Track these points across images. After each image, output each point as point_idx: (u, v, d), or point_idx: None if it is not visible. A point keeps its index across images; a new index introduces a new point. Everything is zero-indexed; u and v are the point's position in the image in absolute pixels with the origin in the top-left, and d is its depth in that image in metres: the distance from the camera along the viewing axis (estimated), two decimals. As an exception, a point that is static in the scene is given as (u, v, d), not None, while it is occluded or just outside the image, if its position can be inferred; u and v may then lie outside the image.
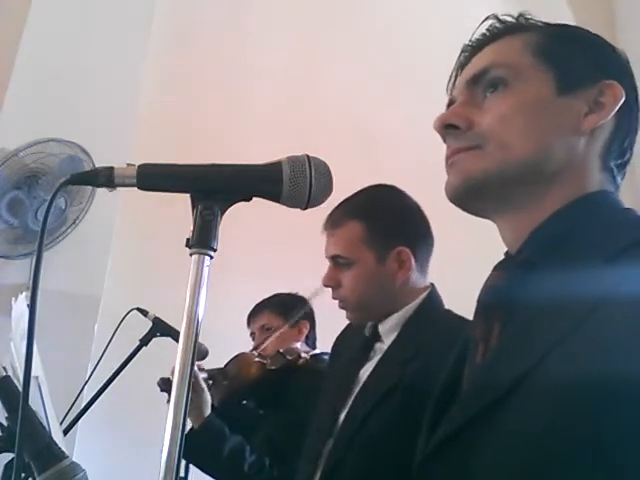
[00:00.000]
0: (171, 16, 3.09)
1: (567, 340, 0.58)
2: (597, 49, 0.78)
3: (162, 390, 1.59)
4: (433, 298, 1.39)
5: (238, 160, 0.78)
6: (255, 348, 1.89)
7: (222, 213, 0.74)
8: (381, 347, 1.35)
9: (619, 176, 0.77)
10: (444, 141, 0.77)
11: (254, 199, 0.78)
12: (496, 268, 0.73)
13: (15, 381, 0.99)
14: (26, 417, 0.75)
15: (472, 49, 0.80)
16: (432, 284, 1.42)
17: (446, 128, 0.76)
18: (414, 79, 3.18)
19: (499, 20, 0.80)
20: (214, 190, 0.75)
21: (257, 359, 1.78)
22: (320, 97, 3.21)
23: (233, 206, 0.76)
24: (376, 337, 1.36)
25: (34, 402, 1.01)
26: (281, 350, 1.80)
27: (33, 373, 0.76)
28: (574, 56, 0.76)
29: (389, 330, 1.34)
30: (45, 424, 0.99)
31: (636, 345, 0.55)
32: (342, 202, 1.41)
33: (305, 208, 0.78)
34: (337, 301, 1.40)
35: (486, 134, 0.73)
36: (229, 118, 3.02)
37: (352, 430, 1.23)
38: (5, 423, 0.99)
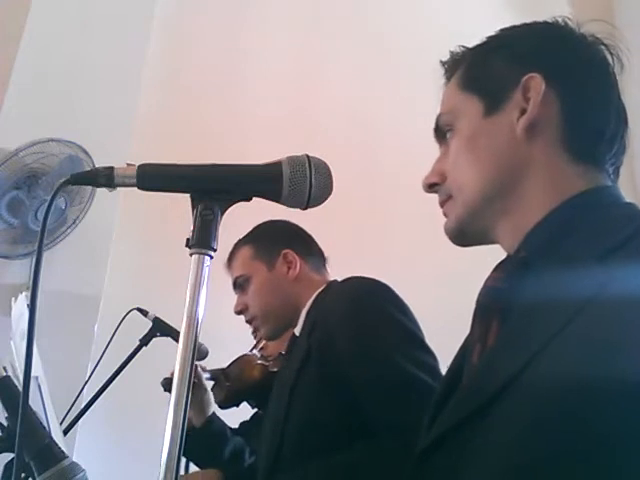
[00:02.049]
0: (171, 16, 3.09)
1: (555, 340, 0.58)
2: (519, 45, 0.78)
3: (166, 390, 1.59)
4: (330, 286, 1.51)
5: (238, 160, 0.78)
6: (255, 347, 1.90)
7: (222, 213, 0.75)
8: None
9: (610, 155, 0.74)
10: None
11: (254, 199, 0.78)
12: (495, 269, 0.74)
13: (15, 381, 0.99)
14: (26, 417, 0.75)
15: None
16: (334, 280, 1.55)
17: (431, 187, 0.82)
18: (414, 80, 3.17)
19: (444, 64, 0.85)
20: (214, 190, 0.75)
21: (259, 361, 1.79)
22: (320, 97, 3.20)
23: (233, 206, 0.76)
24: (295, 338, 1.49)
25: (34, 402, 1.01)
26: (283, 352, 1.81)
27: (33, 373, 0.76)
28: (494, 68, 0.77)
29: (300, 326, 1.47)
30: (45, 424, 0.99)
31: (622, 344, 0.54)
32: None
33: (305, 208, 0.78)
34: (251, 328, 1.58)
35: (450, 183, 0.79)
36: (229, 118, 3.02)
37: (285, 402, 1.33)
38: (5, 423, 0.99)
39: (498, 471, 0.58)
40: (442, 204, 0.81)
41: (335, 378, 1.26)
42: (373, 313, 1.31)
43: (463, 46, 0.83)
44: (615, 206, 0.71)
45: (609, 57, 0.77)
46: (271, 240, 1.58)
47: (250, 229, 1.66)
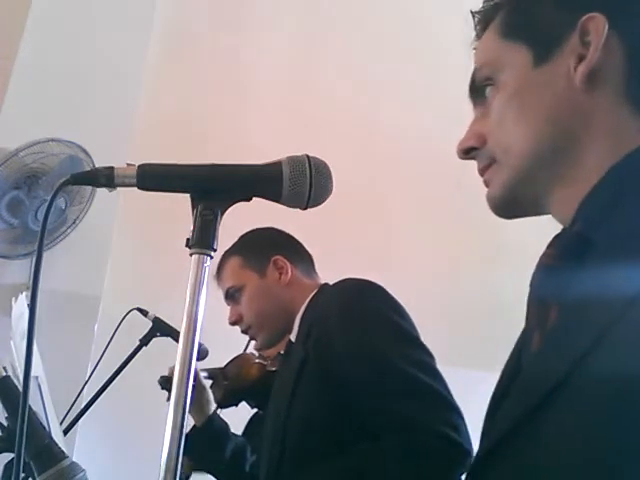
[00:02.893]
0: (171, 16, 3.09)
1: (608, 335, 0.52)
2: None
3: (163, 388, 1.59)
4: (322, 290, 1.51)
5: (238, 160, 0.78)
6: (248, 344, 1.91)
7: (222, 213, 0.75)
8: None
9: None
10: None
11: (254, 199, 0.78)
12: (549, 245, 0.65)
13: (15, 381, 0.99)
14: (26, 417, 0.75)
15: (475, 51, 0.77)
16: (325, 283, 1.55)
17: (467, 153, 0.74)
18: (415, 77, 3.18)
19: (476, 14, 0.76)
20: (214, 190, 0.75)
21: (257, 360, 1.79)
22: (320, 97, 3.20)
23: (233, 206, 0.76)
24: (291, 344, 1.49)
25: (34, 402, 1.01)
26: (281, 352, 1.81)
27: (33, 373, 0.76)
28: (542, 11, 0.69)
29: (295, 332, 1.47)
30: (45, 424, 0.99)
31: None
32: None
33: (305, 208, 0.78)
34: (248, 337, 1.59)
35: (493, 145, 0.71)
36: (229, 118, 3.02)
37: (285, 405, 1.33)
38: (5, 423, 0.99)
39: (580, 457, 0.52)
40: (483, 171, 0.73)
41: (334, 379, 1.26)
42: (367, 313, 1.32)
43: None
44: None
45: None
46: (259, 248, 1.58)
47: (247, 230, 1.66)
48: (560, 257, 0.63)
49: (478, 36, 0.76)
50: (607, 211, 0.61)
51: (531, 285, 0.65)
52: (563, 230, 0.67)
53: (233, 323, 1.59)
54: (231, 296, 1.57)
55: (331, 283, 1.53)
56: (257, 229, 1.64)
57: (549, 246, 0.65)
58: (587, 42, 0.65)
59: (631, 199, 0.60)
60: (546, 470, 0.55)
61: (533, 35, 0.69)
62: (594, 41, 0.64)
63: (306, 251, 1.64)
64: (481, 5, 0.76)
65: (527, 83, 0.68)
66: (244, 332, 1.59)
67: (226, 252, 1.60)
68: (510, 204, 0.71)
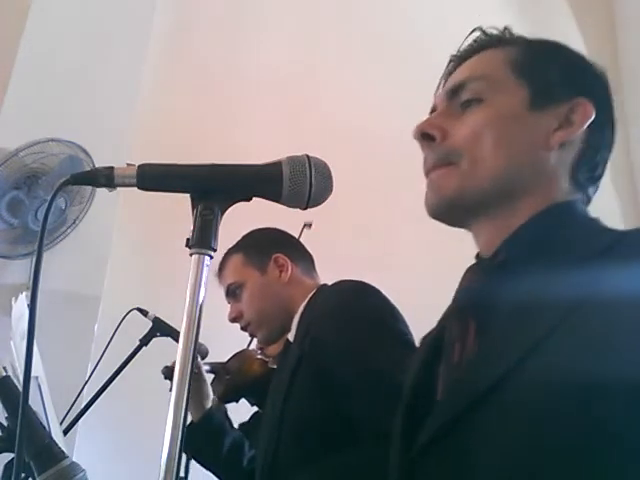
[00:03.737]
0: (171, 16, 3.09)
1: (549, 339, 0.59)
2: (574, 67, 0.80)
3: (166, 378, 1.59)
4: (321, 290, 1.51)
5: (238, 160, 0.78)
6: (250, 342, 1.92)
7: (222, 213, 0.75)
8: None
9: (591, 189, 0.79)
10: (422, 150, 0.80)
11: (254, 199, 0.78)
12: (470, 270, 0.74)
13: (15, 381, 0.99)
14: (26, 417, 0.75)
15: (458, 59, 0.83)
16: (324, 284, 1.55)
17: (423, 138, 0.78)
18: (414, 79, 3.18)
19: (484, 32, 0.82)
20: (214, 190, 0.75)
21: (259, 356, 1.79)
22: (321, 97, 3.21)
23: (233, 206, 0.76)
24: (289, 344, 1.49)
25: (34, 402, 1.01)
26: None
27: (33, 373, 0.76)
28: (550, 73, 0.77)
29: (293, 332, 1.47)
30: (45, 424, 0.99)
31: (619, 344, 0.55)
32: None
33: (305, 208, 0.78)
34: (247, 333, 1.58)
35: (460, 149, 0.75)
36: (229, 118, 3.02)
37: (280, 405, 1.33)
38: (5, 423, 1.00)
39: (508, 459, 0.58)
40: (434, 167, 0.77)
41: (327, 378, 1.27)
42: (362, 314, 1.32)
43: (509, 30, 0.82)
44: (588, 218, 0.75)
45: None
46: (260, 246, 1.60)
47: (247, 230, 1.66)
48: (482, 280, 0.72)
49: (474, 51, 0.81)
50: (528, 248, 0.70)
51: (455, 301, 0.73)
52: (480, 258, 0.76)
53: (233, 320, 1.60)
54: (232, 293, 1.58)
55: (329, 284, 1.54)
56: (259, 228, 1.65)
57: (469, 271, 0.74)
58: (570, 119, 0.75)
59: (548, 241, 0.70)
60: (474, 469, 0.60)
61: (538, 84, 0.76)
62: (579, 122, 0.75)
63: (307, 251, 1.65)
64: (491, 29, 0.82)
65: (517, 118, 0.75)
66: (243, 329, 1.59)
67: (228, 251, 1.61)
68: (449, 209, 0.76)
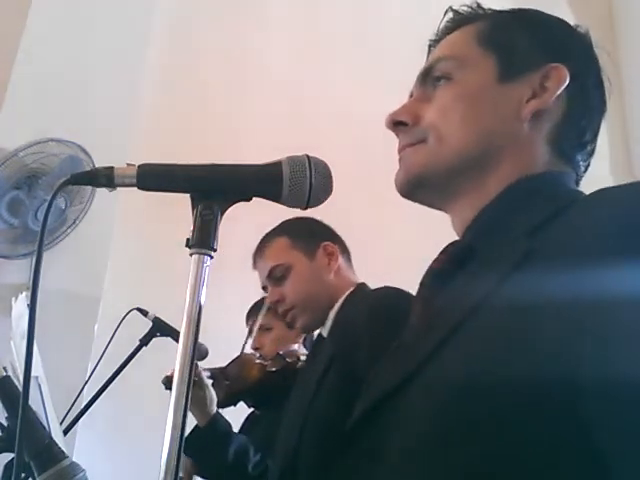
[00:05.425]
0: (171, 16, 3.09)
1: (450, 339, 0.59)
2: (549, 32, 0.77)
3: (167, 388, 1.58)
4: (360, 289, 1.49)
5: (238, 160, 0.78)
6: (246, 341, 1.92)
7: (222, 213, 0.74)
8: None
9: (582, 159, 0.75)
10: (398, 138, 0.78)
11: (254, 199, 0.78)
12: (442, 252, 0.72)
13: (15, 381, 0.99)
14: (26, 417, 0.75)
15: (435, 43, 0.82)
16: (363, 283, 1.53)
17: (395, 125, 0.77)
18: (414, 79, 3.18)
19: (457, 12, 0.81)
20: (214, 190, 0.75)
21: (258, 360, 1.79)
22: (321, 97, 3.21)
23: (233, 206, 0.76)
24: (321, 339, 1.48)
25: (34, 402, 1.01)
26: (281, 352, 1.82)
27: (33, 373, 0.76)
28: (520, 41, 0.75)
29: (327, 328, 1.46)
30: (45, 424, 0.99)
31: (506, 349, 0.54)
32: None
33: (305, 208, 0.78)
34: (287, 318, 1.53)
35: (428, 128, 0.74)
36: (229, 118, 3.02)
37: (303, 414, 1.31)
38: (5, 423, 1.00)
39: (414, 443, 0.58)
40: (405, 147, 0.76)
41: (354, 382, 1.25)
42: (391, 325, 1.30)
43: (480, 5, 0.81)
44: (563, 190, 0.70)
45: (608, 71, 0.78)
46: (307, 232, 1.55)
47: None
48: (448, 262, 0.69)
49: (447, 31, 0.80)
50: (491, 227, 0.68)
51: (420, 285, 0.71)
52: (456, 240, 0.74)
53: (274, 303, 1.55)
54: (275, 276, 1.52)
55: (361, 282, 1.53)
56: (301, 217, 1.57)
57: (441, 252, 0.71)
58: (544, 86, 0.72)
59: (508, 217, 0.67)
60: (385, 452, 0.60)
61: (505, 54, 0.74)
62: (552, 88, 0.72)
63: (347, 246, 1.61)
64: (463, 7, 0.81)
65: (485, 92, 0.73)
66: (283, 314, 1.53)
67: (270, 233, 1.57)
68: (417, 186, 0.75)
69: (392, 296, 1.35)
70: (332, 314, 1.46)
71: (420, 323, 0.69)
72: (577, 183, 0.76)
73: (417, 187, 0.75)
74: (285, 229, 1.56)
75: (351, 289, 1.49)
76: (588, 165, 0.77)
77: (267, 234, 1.57)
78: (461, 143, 0.72)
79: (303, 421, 1.30)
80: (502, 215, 0.69)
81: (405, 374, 0.62)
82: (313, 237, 1.54)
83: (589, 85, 0.75)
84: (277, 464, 1.38)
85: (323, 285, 1.49)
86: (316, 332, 1.59)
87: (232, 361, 1.80)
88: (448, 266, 0.69)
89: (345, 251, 1.58)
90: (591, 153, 0.77)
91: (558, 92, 0.72)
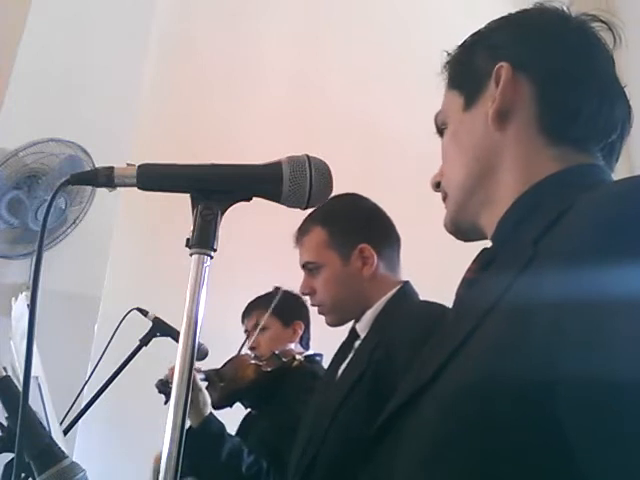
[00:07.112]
0: (171, 16, 3.09)
1: (465, 344, 0.60)
2: (494, 38, 0.77)
3: (160, 392, 1.58)
4: (405, 292, 1.46)
5: (239, 160, 0.78)
6: (244, 344, 1.91)
7: (222, 213, 0.74)
8: (357, 344, 1.43)
9: (593, 135, 0.71)
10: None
11: (254, 199, 0.78)
12: (473, 261, 0.74)
13: (15, 381, 0.99)
14: (26, 417, 0.75)
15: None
16: (407, 281, 1.49)
17: (437, 187, 0.83)
18: (415, 80, 3.17)
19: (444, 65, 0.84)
20: (214, 190, 0.75)
21: (253, 361, 1.79)
22: (321, 97, 3.20)
23: (233, 206, 0.76)
24: (355, 335, 1.44)
25: (34, 402, 1.01)
26: (276, 352, 1.81)
27: (33, 373, 0.76)
28: (472, 64, 0.78)
29: (364, 326, 1.42)
30: (45, 424, 0.99)
31: (511, 350, 0.54)
32: (309, 214, 1.51)
33: (305, 208, 0.78)
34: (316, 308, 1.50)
35: (444, 181, 0.81)
36: (229, 118, 3.02)
37: (325, 424, 1.29)
38: (5, 423, 0.99)
39: (417, 453, 0.60)
40: (444, 201, 0.82)
41: (383, 396, 1.21)
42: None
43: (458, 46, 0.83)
44: (586, 185, 0.64)
45: (600, 34, 0.77)
46: (348, 229, 1.49)
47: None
48: (477, 271, 0.72)
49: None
50: (510, 232, 0.70)
51: (456, 295, 0.73)
52: (484, 248, 0.76)
53: (304, 294, 1.54)
54: (308, 269, 1.51)
55: (405, 281, 1.49)
56: (353, 202, 1.52)
57: (473, 261, 0.74)
58: (497, 88, 0.73)
59: (518, 226, 0.69)
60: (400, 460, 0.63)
61: (464, 83, 0.78)
62: (499, 86, 0.72)
63: (396, 236, 1.56)
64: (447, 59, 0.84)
65: (460, 126, 0.78)
66: (313, 305, 1.53)
67: (314, 218, 1.50)
68: (457, 230, 0.81)
69: (437, 313, 1.29)
70: (370, 314, 1.42)
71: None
72: (605, 159, 0.73)
73: (458, 233, 0.81)
74: (328, 220, 1.49)
75: (393, 291, 1.44)
76: (614, 140, 0.73)
77: (310, 215, 1.50)
78: (459, 179, 0.77)
79: (330, 423, 1.28)
80: (513, 226, 0.70)
81: (421, 382, 0.63)
82: (352, 237, 1.48)
83: (551, 56, 0.73)
84: (294, 459, 1.37)
85: (354, 291, 1.45)
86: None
87: (226, 362, 1.80)
88: (478, 275, 0.71)
89: (389, 247, 1.51)
90: (611, 125, 0.73)
91: (503, 86, 0.72)
